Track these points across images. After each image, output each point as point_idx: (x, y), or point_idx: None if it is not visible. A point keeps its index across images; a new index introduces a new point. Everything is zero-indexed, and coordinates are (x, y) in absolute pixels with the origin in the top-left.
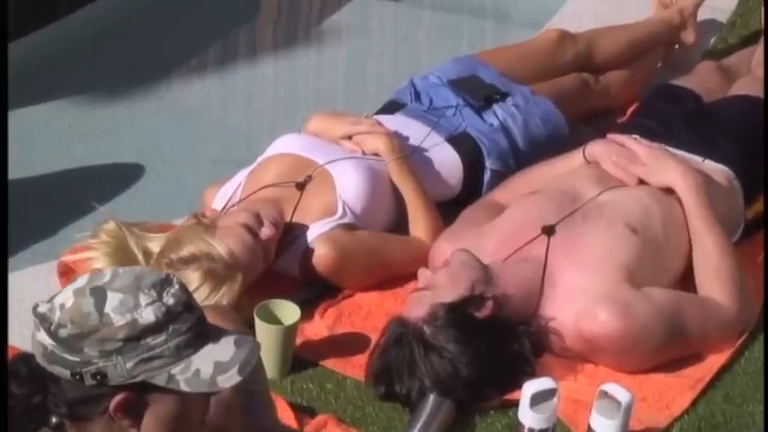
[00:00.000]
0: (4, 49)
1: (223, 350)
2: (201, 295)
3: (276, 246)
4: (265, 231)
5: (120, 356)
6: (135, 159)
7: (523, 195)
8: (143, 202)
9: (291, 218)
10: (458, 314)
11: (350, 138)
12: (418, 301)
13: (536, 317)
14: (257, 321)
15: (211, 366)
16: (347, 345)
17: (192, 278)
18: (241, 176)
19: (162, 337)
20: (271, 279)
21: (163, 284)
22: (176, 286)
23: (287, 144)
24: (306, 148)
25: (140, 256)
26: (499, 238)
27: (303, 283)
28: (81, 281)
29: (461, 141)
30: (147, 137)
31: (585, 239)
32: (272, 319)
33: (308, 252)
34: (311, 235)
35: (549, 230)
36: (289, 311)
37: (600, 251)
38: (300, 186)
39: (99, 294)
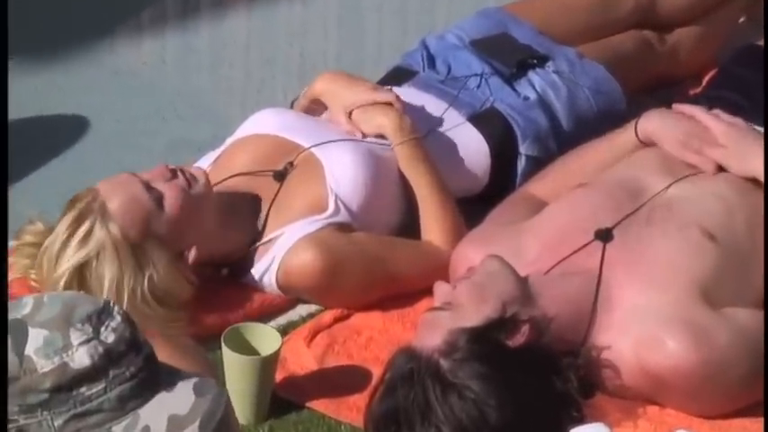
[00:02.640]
0: (4, 45)
1: (179, 400)
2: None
3: (237, 236)
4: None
5: (46, 411)
6: (70, 141)
7: (570, 189)
8: None
9: (267, 215)
10: (484, 342)
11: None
12: (433, 325)
13: (586, 346)
14: (225, 351)
15: (165, 421)
16: (341, 381)
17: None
18: (205, 162)
19: (100, 386)
20: (242, 295)
21: (100, 316)
22: (117, 318)
23: (263, 122)
24: (288, 126)
25: None
26: (541, 244)
27: (284, 301)
28: None
29: (488, 120)
30: (86, 113)
31: (651, 247)
32: (246, 347)
33: (289, 259)
34: (293, 237)
35: (604, 235)
36: (266, 338)
37: (669, 262)
38: (280, 176)
39: (18, 331)
